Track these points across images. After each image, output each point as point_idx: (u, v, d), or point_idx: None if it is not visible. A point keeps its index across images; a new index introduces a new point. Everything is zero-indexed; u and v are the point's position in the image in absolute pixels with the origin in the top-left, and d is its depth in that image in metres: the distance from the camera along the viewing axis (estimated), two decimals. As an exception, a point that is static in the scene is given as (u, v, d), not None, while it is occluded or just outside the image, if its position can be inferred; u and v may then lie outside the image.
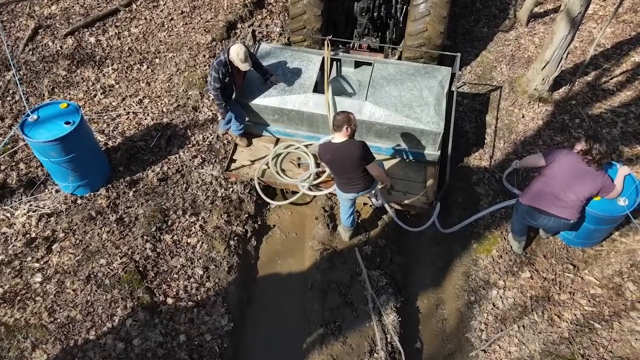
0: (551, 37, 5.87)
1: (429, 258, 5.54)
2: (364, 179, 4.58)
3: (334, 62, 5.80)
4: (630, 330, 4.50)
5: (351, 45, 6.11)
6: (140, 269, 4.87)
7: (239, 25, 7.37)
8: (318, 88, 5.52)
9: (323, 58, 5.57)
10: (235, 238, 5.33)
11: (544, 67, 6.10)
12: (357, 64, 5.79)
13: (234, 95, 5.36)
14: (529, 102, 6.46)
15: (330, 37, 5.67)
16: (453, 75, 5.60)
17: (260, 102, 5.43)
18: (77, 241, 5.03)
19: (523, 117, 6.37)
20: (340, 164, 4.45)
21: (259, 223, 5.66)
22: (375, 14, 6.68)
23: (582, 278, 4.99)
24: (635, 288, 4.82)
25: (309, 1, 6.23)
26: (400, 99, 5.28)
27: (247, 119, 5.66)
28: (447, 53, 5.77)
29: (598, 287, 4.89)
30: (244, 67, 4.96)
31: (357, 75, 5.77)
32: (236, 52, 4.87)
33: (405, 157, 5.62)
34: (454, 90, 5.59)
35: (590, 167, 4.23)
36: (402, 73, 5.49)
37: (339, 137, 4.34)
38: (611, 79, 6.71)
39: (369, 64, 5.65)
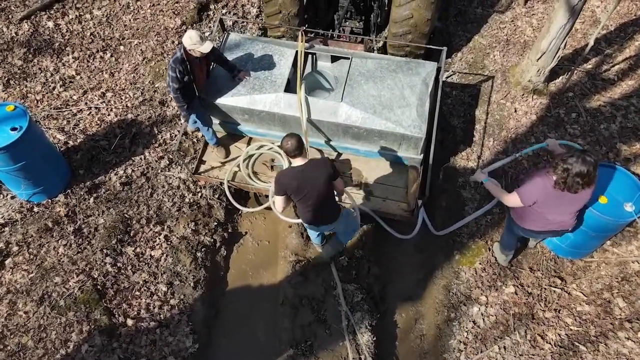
0: (548, 26, 5.34)
1: (409, 268, 5.26)
2: (332, 205, 4.17)
3: (309, 56, 5.30)
4: (617, 353, 4.26)
5: (329, 35, 5.58)
6: (99, 287, 4.57)
7: (211, 7, 6.77)
8: (291, 85, 5.06)
9: (297, 52, 5.07)
10: (202, 249, 5.01)
11: (540, 57, 5.59)
12: (335, 58, 5.28)
13: (197, 94, 4.90)
14: (523, 95, 5.98)
15: (304, 28, 5.15)
16: (439, 71, 5.12)
17: (228, 101, 4.97)
18: (32, 256, 4.72)
19: (515, 111, 5.92)
20: (311, 190, 3.91)
21: (230, 230, 5.33)
22: (357, -4, 6.12)
23: (569, 293, 4.71)
24: (624, 305, 4.54)
25: (283, -17, 5.65)
26: (379, 100, 4.83)
27: (214, 122, 5.22)
28: (433, 47, 5.25)
29: (585, 303, 4.62)
30: (206, 47, 4.32)
31: (333, 70, 5.28)
32: (189, 38, 4.27)
33: (385, 160, 5.22)
34: (440, 85, 5.11)
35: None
36: (383, 69, 5.00)
37: (300, 161, 3.83)
38: (612, 66, 6.21)
39: (347, 57, 5.15)
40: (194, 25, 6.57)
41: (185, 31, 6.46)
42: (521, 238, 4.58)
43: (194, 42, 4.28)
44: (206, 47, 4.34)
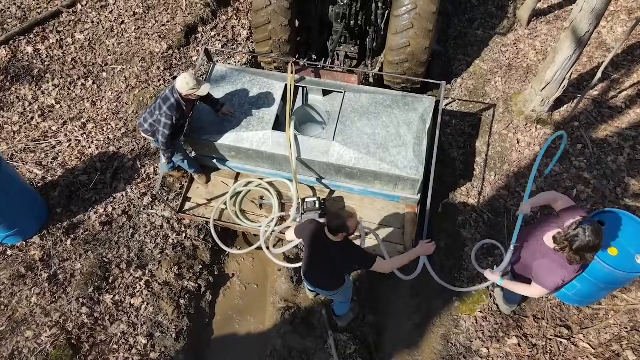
0: (553, 57, 5.04)
1: (406, 313, 4.96)
2: (336, 281, 3.86)
3: (300, 89, 4.99)
4: (627, 415, 3.97)
5: (321, 65, 5.28)
6: (73, 341, 4.28)
7: (199, 29, 6.46)
8: (280, 122, 4.76)
9: (286, 85, 4.77)
10: (186, 296, 4.72)
11: (544, 88, 5.30)
12: (327, 90, 4.98)
13: (182, 136, 4.63)
14: (526, 125, 5.68)
15: (294, 60, 4.85)
16: (437, 104, 4.82)
17: (213, 139, 4.68)
18: (3, 307, 4.42)
19: (518, 142, 5.62)
20: (321, 260, 3.63)
21: (216, 273, 5.03)
22: (352, 21, 5.81)
23: (575, 345, 4.42)
24: (634, 358, 4.26)
25: (274, 9, 5.35)
26: (373, 138, 4.53)
27: (193, 153, 4.97)
28: (431, 81, 4.95)
29: (593, 356, 4.33)
30: (203, 90, 4.14)
31: (325, 104, 4.97)
32: (186, 84, 4.03)
33: (380, 199, 4.92)
34: (438, 121, 4.80)
35: None
36: (377, 104, 4.70)
37: (335, 237, 3.40)
38: (620, 92, 5.91)
39: (340, 91, 4.84)
40: (181, 49, 6.27)
41: (172, 56, 6.21)
42: None
43: (191, 87, 4.05)
44: (204, 90, 4.16)
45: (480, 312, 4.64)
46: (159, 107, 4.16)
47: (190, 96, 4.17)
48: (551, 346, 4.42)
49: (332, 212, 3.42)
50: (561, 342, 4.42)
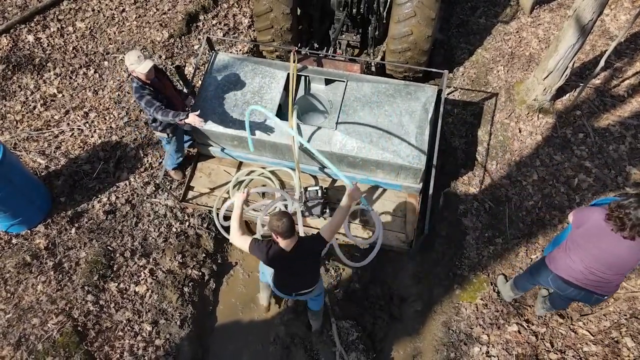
0: (556, 45, 5.03)
1: (407, 300, 5.01)
2: (314, 275, 3.84)
3: (302, 77, 4.99)
4: (625, 400, 4.04)
5: (323, 54, 5.25)
6: (79, 327, 4.33)
7: (201, 17, 6.42)
8: (283, 111, 4.76)
9: (288, 74, 4.76)
10: (190, 284, 4.77)
11: (546, 77, 5.29)
12: (329, 79, 4.97)
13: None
14: (528, 114, 5.68)
15: (296, 48, 4.84)
16: (439, 93, 4.81)
17: (216, 128, 4.68)
18: (9, 294, 4.47)
19: (520, 131, 5.62)
20: (290, 273, 3.62)
21: (219, 261, 5.07)
22: (354, 9, 5.77)
23: (575, 332, 4.47)
24: (633, 345, 4.31)
25: (276, -3, 5.32)
26: (376, 127, 4.54)
27: (201, 145, 4.97)
28: (434, 70, 4.93)
29: (592, 343, 4.39)
30: (144, 67, 3.94)
31: (327, 93, 4.97)
32: (130, 63, 3.93)
33: (382, 188, 4.95)
34: (441, 111, 4.80)
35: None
36: (380, 94, 4.70)
37: (285, 243, 3.32)
38: (622, 81, 5.90)
39: (342, 80, 4.84)
40: (183, 37, 6.24)
41: (174, 44, 6.19)
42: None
43: (131, 62, 3.95)
44: (144, 67, 3.95)
45: (481, 299, 4.69)
46: (135, 100, 4.16)
47: (137, 74, 3.99)
48: (551, 333, 4.47)
49: (275, 223, 3.22)
50: (560, 329, 4.48)
